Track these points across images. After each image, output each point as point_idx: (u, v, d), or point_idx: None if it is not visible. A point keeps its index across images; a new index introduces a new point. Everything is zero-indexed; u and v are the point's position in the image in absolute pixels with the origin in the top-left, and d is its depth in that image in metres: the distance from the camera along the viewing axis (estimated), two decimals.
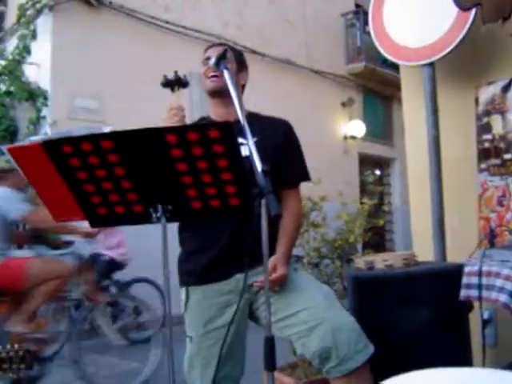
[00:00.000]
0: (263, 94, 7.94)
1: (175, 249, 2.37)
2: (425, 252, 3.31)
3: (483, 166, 3.54)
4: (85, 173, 1.73)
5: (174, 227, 2.27)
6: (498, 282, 2.31)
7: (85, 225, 2.11)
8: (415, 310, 2.60)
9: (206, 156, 1.67)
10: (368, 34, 4.36)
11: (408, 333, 2.56)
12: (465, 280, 2.47)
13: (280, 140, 2.41)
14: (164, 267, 1.84)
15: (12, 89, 7.90)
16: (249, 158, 1.84)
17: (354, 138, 11.70)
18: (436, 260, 3.35)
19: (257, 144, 1.88)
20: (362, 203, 4.21)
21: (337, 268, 3.96)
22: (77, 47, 7.52)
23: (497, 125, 3.49)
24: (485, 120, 3.54)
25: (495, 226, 3.33)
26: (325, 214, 3.93)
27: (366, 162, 12.59)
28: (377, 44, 3.75)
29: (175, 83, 2.23)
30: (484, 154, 3.54)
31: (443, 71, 3.63)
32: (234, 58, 2.44)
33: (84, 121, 7.23)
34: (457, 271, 2.53)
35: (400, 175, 12.42)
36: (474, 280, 2.42)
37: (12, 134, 8.00)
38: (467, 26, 3.23)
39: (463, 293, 2.47)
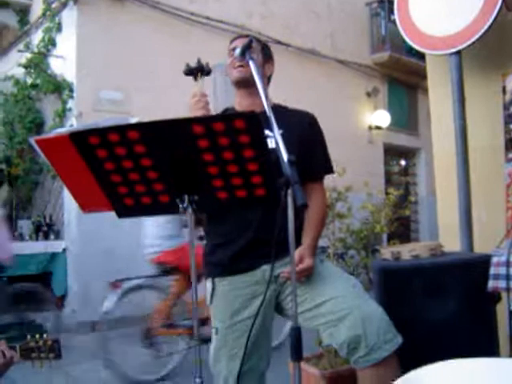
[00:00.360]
0: (288, 84, 7.88)
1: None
2: (451, 242, 3.27)
3: (511, 155, 3.49)
4: (112, 163, 1.74)
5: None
6: None
7: None
8: (442, 301, 2.57)
9: (231, 146, 1.67)
10: (393, 23, 4.32)
11: (435, 324, 2.54)
12: (492, 270, 2.45)
13: (305, 133, 2.41)
14: (190, 257, 1.86)
15: (38, 81, 7.97)
16: (274, 150, 1.84)
17: (378, 127, 11.59)
18: (463, 251, 3.32)
19: (282, 136, 1.87)
20: (387, 193, 4.18)
21: (362, 259, 3.94)
22: (101, 39, 7.55)
23: None
24: None
25: None
26: (350, 205, 3.90)
27: (391, 153, 12.46)
28: (402, 33, 3.71)
29: (198, 71, 2.21)
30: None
31: (470, 60, 3.58)
32: (259, 49, 2.44)
33: (109, 112, 7.27)
34: (484, 262, 2.51)
35: (426, 165, 12.31)
36: (502, 271, 2.39)
37: (38, 126, 8.07)
38: (494, 13, 3.18)
39: (491, 284, 2.45)
